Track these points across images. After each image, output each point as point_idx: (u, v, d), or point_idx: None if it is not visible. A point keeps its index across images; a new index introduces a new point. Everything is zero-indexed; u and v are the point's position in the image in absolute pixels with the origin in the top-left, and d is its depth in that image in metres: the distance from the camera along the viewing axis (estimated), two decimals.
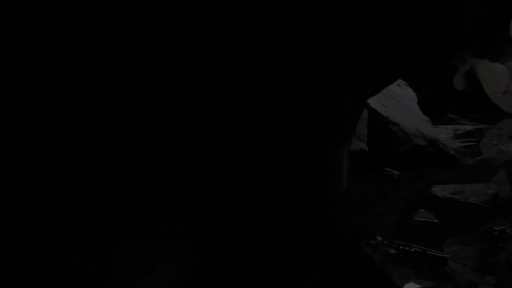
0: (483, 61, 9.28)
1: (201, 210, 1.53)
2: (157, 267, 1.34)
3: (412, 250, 1.91)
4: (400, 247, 1.94)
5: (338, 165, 2.68)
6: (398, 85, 4.89)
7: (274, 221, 2.25)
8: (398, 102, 4.40)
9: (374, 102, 3.70)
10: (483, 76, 9.11)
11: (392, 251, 1.92)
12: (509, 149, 4.46)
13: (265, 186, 1.99)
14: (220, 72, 1.22)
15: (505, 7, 7.53)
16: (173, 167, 1.26)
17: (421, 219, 2.35)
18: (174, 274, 1.49)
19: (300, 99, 1.66)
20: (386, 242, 2.02)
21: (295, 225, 2.31)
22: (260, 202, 2.03)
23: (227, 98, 1.33)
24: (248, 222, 2.01)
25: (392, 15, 1.63)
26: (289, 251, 1.99)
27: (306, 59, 1.47)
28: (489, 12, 7.55)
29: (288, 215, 2.36)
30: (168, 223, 1.34)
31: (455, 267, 1.75)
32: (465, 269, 1.73)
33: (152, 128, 1.13)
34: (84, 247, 1.04)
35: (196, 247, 1.62)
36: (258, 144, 1.65)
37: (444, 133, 5.79)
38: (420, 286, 1.60)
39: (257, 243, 2.06)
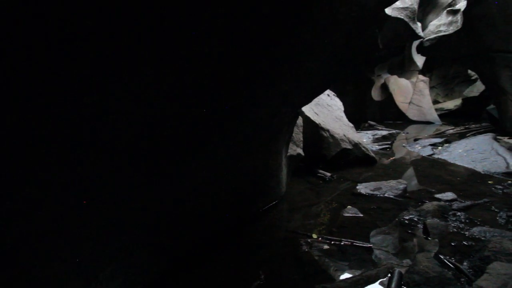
0: (393, 76, 10.99)
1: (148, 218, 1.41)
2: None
3: (342, 243, 2.09)
4: (332, 242, 2.11)
5: (278, 170, 2.79)
6: (328, 95, 5.38)
7: (217, 228, 2.20)
8: (328, 110, 4.82)
9: (308, 110, 3.99)
10: (393, 89, 10.77)
11: (326, 246, 2.07)
12: (414, 150, 5.34)
13: (209, 193, 1.93)
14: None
15: (408, 33, 9.03)
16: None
17: (349, 214, 2.60)
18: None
19: (243, 111, 1.67)
20: (320, 238, 2.17)
21: (237, 230, 2.30)
22: (204, 209, 1.96)
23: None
24: (192, 231, 1.92)
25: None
26: (231, 257, 1.97)
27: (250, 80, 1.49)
28: (396, 36, 8.96)
29: (231, 221, 2.35)
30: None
31: (379, 255, 1.97)
32: (387, 255, 1.97)
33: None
34: None
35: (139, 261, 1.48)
36: (203, 153, 1.61)
37: (365, 138, 6.61)
38: (352, 275, 1.75)
39: (200, 252, 1.99)
